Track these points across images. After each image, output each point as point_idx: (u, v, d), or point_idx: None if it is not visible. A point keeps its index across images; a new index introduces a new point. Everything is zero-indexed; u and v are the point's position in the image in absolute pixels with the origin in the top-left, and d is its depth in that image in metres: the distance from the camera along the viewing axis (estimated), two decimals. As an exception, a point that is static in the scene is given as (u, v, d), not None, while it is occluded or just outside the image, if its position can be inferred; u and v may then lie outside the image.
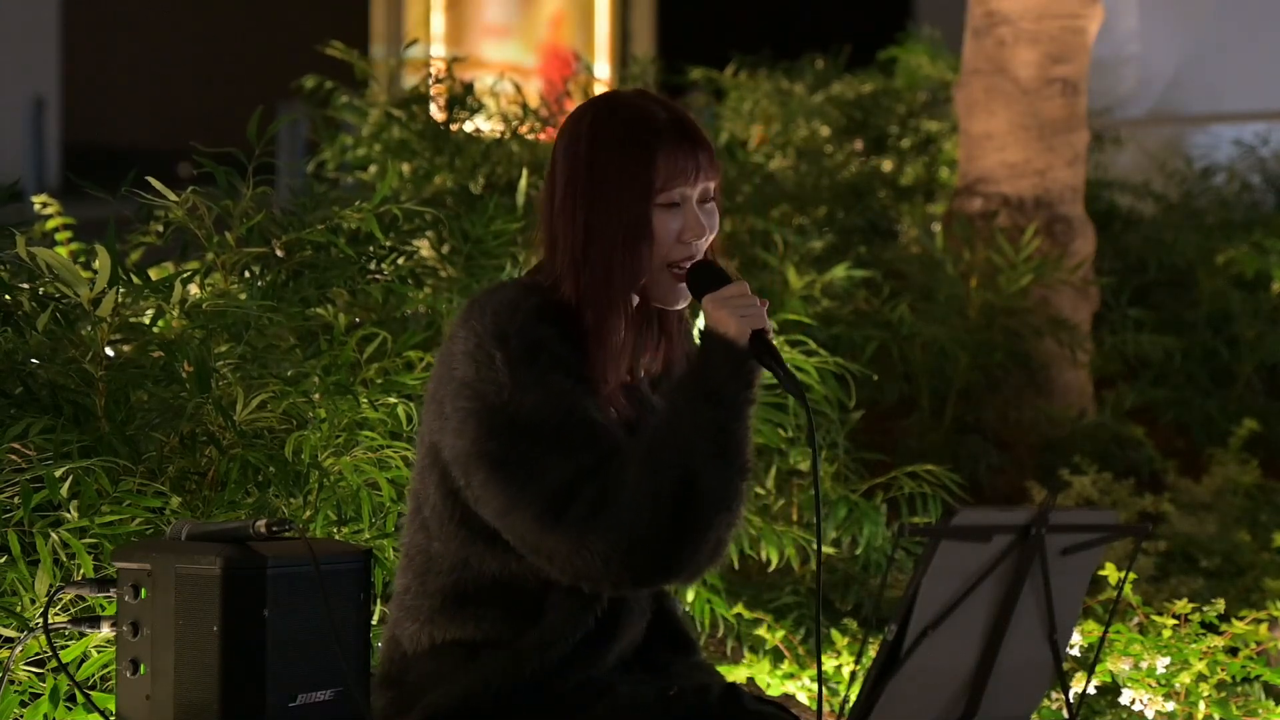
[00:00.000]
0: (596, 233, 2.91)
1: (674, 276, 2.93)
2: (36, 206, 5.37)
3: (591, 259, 2.91)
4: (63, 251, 5.10)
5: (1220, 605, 4.39)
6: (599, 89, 8.95)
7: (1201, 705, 4.27)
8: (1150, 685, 4.27)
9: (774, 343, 2.86)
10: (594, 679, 2.94)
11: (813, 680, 4.73)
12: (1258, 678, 4.42)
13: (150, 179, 4.13)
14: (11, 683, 3.47)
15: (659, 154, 2.89)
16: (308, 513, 3.90)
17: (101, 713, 3.25)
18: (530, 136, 7.44)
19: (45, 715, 3.44)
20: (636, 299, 2.96)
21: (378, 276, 4.51)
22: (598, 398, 2.89)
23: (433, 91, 7.08)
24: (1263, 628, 4.39)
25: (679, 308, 2.99)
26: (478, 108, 7.19)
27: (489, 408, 2.84)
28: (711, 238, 2.96)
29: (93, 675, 3.50)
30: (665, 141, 2.90)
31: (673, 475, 2.79)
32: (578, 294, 2.91)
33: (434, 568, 2.96)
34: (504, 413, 2.83)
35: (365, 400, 4.07)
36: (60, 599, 3.46)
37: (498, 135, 7.23)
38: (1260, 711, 4.46)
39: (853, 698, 2.73)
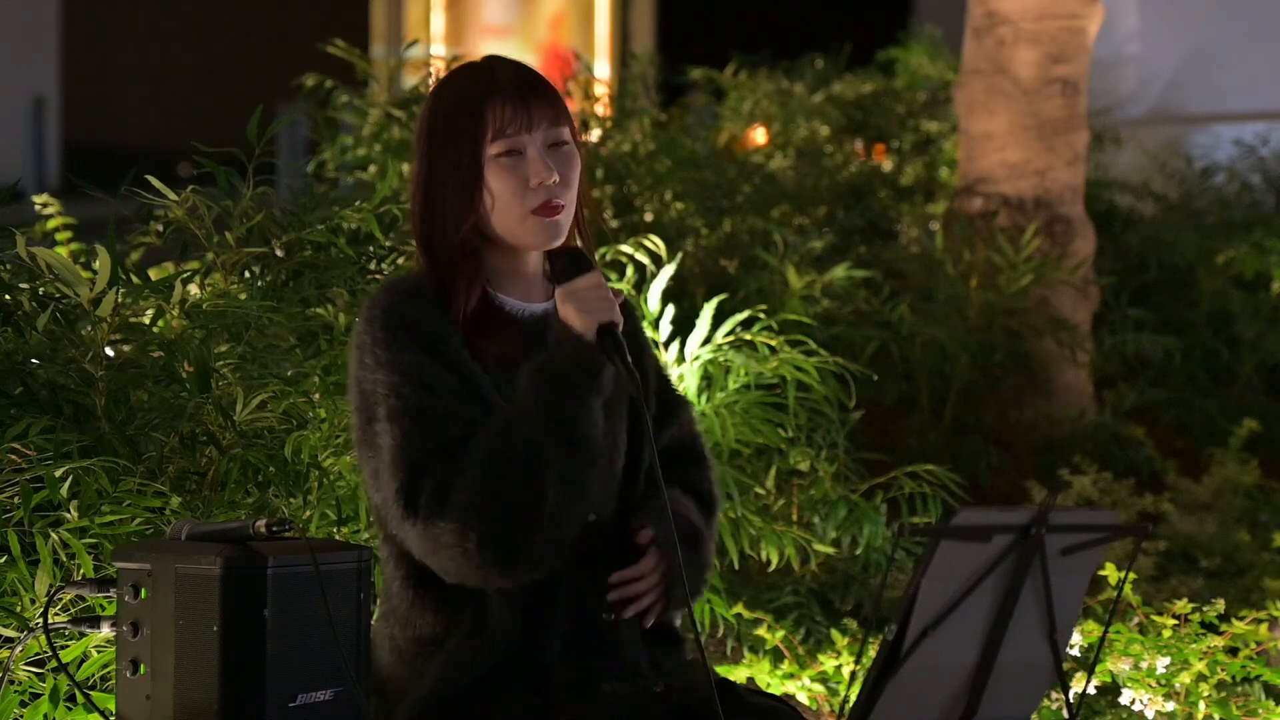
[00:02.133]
0: (434, 185, 2.99)
1: (540, 215, 2.97)
2: (36, 206, 5.37)
3: (431, 210, 2.99)
4: (63, 251, 5.10)
5: (1220, 605, 4.39)
6: (599, 89, 8.95)
7: (1201, 705, 4.28)
8: (1150, 685, 4.27)
9: (619, 337, 2.89)
10: (580, 677, 2.95)
11: (813, 680, 4.73)
12: (1258, 678, 4.42)
13: (150, 178, 4.13)
14: (11, 683, 3.47)
15: (488, 106, 2.96)
16: (307, 512, 3.90)
17: (101, 713, 3.25)
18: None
19: (45, 715, 3.44)
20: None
21: (378, 276, 4.51)
22: (474, 356, 2.93)
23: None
24: (1263, 628, 4.39)
25: (553, 246, 3.00)
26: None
27: (362, 396, 2.92)
28: (575, 184, 3.00)
29: (93, 675, 3.50)
30: (496, 94, 2.97)
31: (516, 465, 2.84)
32: (426, 248, 2.99)
33: (392, 564, 3.01)
34: (370, 397, 2.90)
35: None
36: (60, 599, 3.46)
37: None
38: (1260, 711, 4.46)
39: (853, 698, 2.73)
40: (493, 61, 3.05)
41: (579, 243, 3.06)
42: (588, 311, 2.89)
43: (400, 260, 4.58)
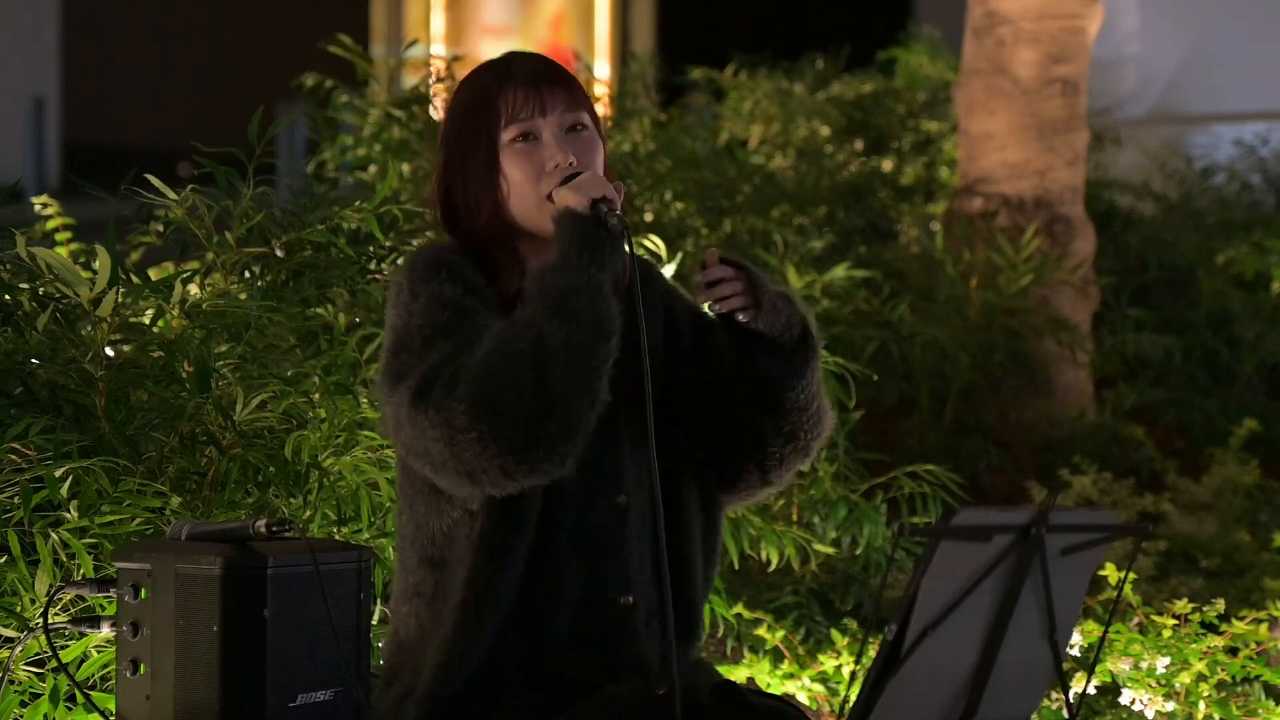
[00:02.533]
0: (453, 177, 3.02)
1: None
2: (36, 206, 5.37)
3: (453, 202, 3.02)
4: (63, 251, 5.10)
5: (1220, 605, 4.39)
6: (599, 89, 8.95)
7: (1201, 705, 4.28)
8: (1150, 685, 4.27)
9: (615, 208, 2.88)
10: (582, 678, 2.94)
11: (813, 680, 4.73)
12: (1258, 678, 4.42)
13: (150, 178, 4.13)
14: (11, 683, 3.47)
15: (501, 94, 2.99)
16: (307, 513, 3.90)
17: (101, 713, 3.25)
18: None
19: (45, 715, 3.44)
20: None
21: (378, 276, 4.51)
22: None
23: (433, 91, 7.08)
24: (1263, 628, 4.39)
25: None
26: (478, 108, 7.17)
27: (394, 332, 2.91)
28: (598, 166, 3.00)
29: (93, 675, 3.50)
30: (509, 82, 2.99)
31: (522, 338, 2.81)
32: (454, 234, 3.01)
33: (405, 543, 2.99)
34: (403, 330, 2.90)
35: (365, 400, 4.07)
36: (60, 599, 3.46)
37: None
38: (1260, 711, 4.46)
39: (853, 698, 2.73)
40: (510, 55, 3.08)
41: None
42: (578, 190, 2.89)
43: (400, 260, 4.57)
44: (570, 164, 2.97)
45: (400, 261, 3.00)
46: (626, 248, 2.89)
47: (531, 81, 2.99)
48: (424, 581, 2.96)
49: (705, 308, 3.07)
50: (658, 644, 3.00)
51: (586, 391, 2.82)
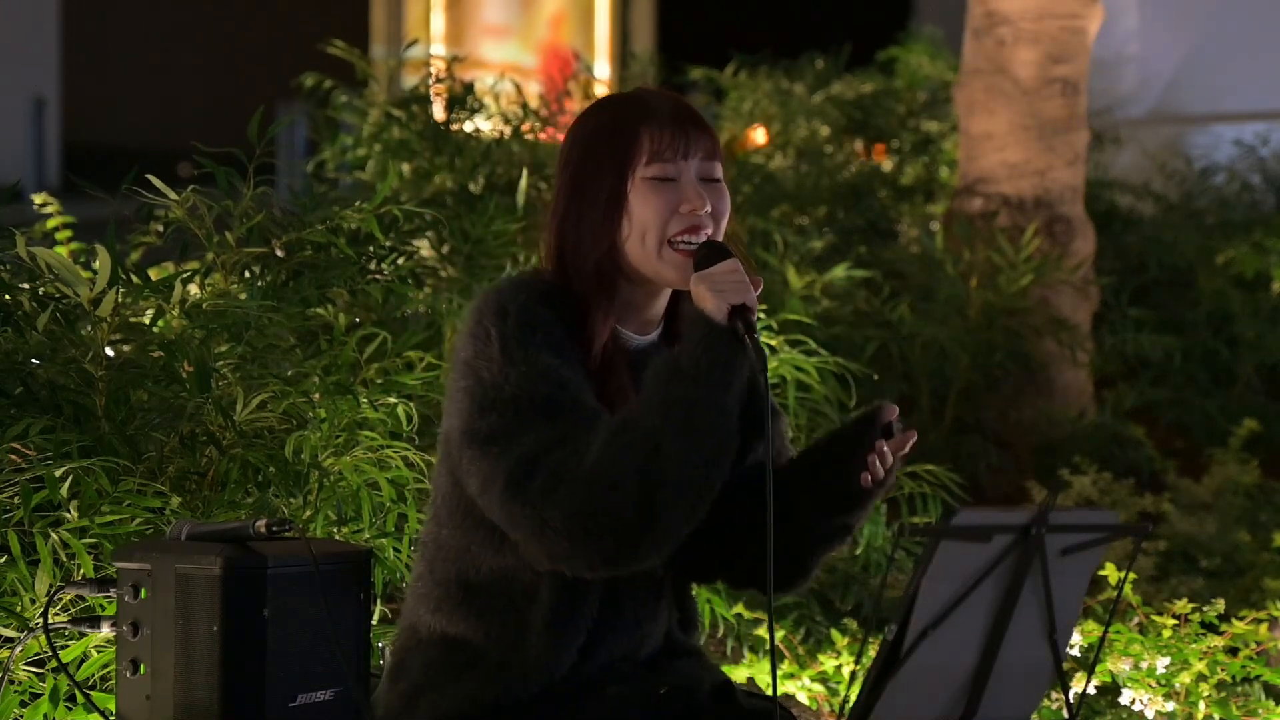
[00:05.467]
0: (574, 206, 2.94)
1: (679, 254, 2.91)
2: (36, 206, 5.37)
3: (567, 234, 2.94)
4: (63, 251, 5.10)
5: (1220, 605, 4.39)
6: (599, 89, 8.95)
7: (1201, 705, 4.28)
8: (1150, 685, 4.27)
9: (753, 320, 2.79)
10: (584, 678, 2.95)
11: (813, 680, 4.73)
12: (1258, 678, 4.42)
13: (150, 178, 4.13)
14: (11, 683, 3.47)
15: (644, 129, 2.92)
16: (308, 513, 3.90)
17: (101, 713, 3.25)
18: (530, 136, 7.44)
19: (45, 715, 3.44)
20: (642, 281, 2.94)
21: (378, 276, 4.51)
22: (589, 377, 2.88)
23: (433, 91, 7.08)
24: (1263, 628, 4.39)
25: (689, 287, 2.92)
26: (478, 108, 7.19)
27: (481, 385, 2.84)
28: (725, 220, 2.95)
29: (93, 675, 3.50)
30: (654, 119, 2.93)
31: (637, 449, 2.73)
32: (559, 266, 2.94)
33: (442, 555, 2.96)
34: (494, 387, 2.83)
35: (365, 400, 4.07)
36: (60, 599, 3.46)
37: (498, 135, 7.23)
38: (1260, 711, 4.46)
39: (853, 698, 2.73)
40: (646, 92, 3.01)
41: None
42: (720, 293, 2.80)
43: (400, 260, 4.58)
44: (705, 211, 2.90)
45: (488, 291, 2.90)
46: (755, 350, 2.78)
47: (677, 121, 2.93)
48: (453, 598, 2.94)
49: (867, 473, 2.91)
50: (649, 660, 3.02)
51: (692, 515, 2.78)
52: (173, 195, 4.17)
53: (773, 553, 2.76)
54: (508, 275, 3.09)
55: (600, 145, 2.94)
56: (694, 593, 3.17)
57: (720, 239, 2.95)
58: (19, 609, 3.52)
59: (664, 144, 2.91)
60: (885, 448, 2.88)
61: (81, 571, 3.46)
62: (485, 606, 2.92)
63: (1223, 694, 4.32)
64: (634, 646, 3.00)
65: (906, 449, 2.89)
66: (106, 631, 3.07)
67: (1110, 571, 4.31)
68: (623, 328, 2.96)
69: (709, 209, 2.92)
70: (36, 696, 3.50)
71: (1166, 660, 4.28)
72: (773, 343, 5.05)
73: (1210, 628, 4.41)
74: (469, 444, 2.84)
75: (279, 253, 4.36)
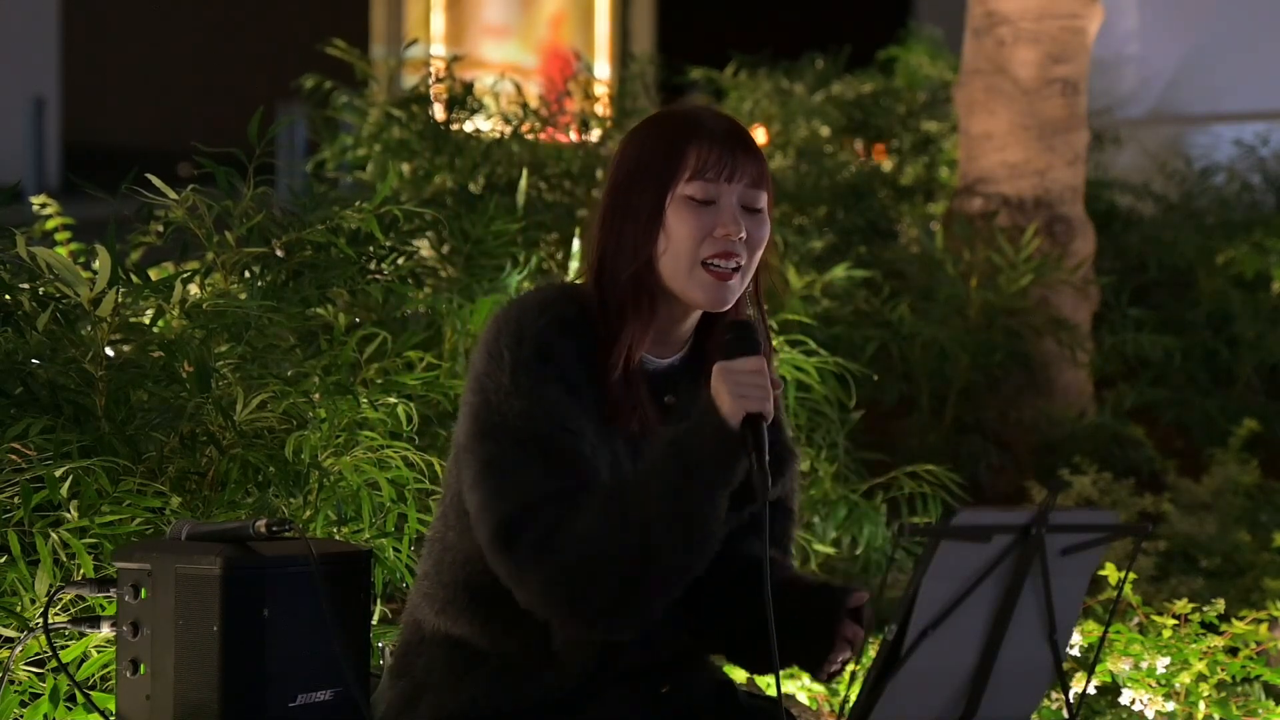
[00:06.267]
0: (616, 217, 2.91)
1: (710, 275, 2.88)
2: (36, 206, 5.37)
3: (608, 244, 2.91)
4: (63, 251, 5.10)
5: (1220, 605, 4.39)
6: (599, 89, 8.95)
7: (1201, 705, 4.27)
8: (1150, 685, 4.27)
9: (764, 432, 2.74)
10: (587, 688, 2.94)
11: (814, 680, 4.72)
12: (1258, 678, 4.42)
13: (150, 177, 4.13)
14: (11, 683, 3.47)
15: (691, 145, 2.89)
16: (308, 513, 3.90)
17: (101, 713, 3.25)
18: (530, 136, 7.44)
19: (45, 715, 3.44)
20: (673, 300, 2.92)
21: (378, 276, 4.51)
22: (607, 394, 2.87)
23: (433, 91, 7.08)
24: (1263, 628, 4.39)
25: (719, 310, 2.92)
26: (478, 108, 7.19)
27: (487, 407, 2.83)
28: (760, 251, 2.92)
29: (93, 675, 3.50)
30: (704, 137, 2.90)
31: (627, 541, 2.74)
32: (595, 275, 2.91)
33: (448, 558, 2.95)
34: (498, 413, 2.82)
35: (365, 400, 4.07)
36: (60, 599, 3.46)
37: (498, 135, 7.23)
38: (1260, 711, 4.46)
39: (853, 698, 2.73)
40: (703, 110, 2.99)
41: (752, 311, 2.97)
42: (740, 396, 2.75)
43: (400, 260, 4.58)
44: (740, 238, 2.87)
45: (508, 308, 2.89)
46: (760, 472, 2.75)
47: (726, 143, 2.90)
48: (459, 601, 2.93)
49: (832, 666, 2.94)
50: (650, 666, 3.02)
51: (672, 595, 2.81)
52: (173, 195, 4.17)
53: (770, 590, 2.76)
54: (538, 287, 3.06)
55: (647, 158, 2.91)
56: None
57: (753, 269, 2.93)
58: (19, 609, 3.52)
59: (709, 164, 2.89)
60: (859, 635, 2.90)
61: (81, 571, 3.45)
62: (492, 613, 2.91)
63: (1223, 694, 4.32)
64: (650, 659, 2.99)
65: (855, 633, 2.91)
66: (106, 631, 3.07)
67: (1110, 571, 4.31)
68: (641, 350, 2.93)
69: (744, 236, 2.89)
70: (36, 696, 3.50)
71: (1166, 660, 4.28)
72: (773, 343, 5.04)
73: (1210, 628, 4.41)
74: (468, 464, 2.85)
75: (279, 253, 4.36)
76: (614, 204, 2.92)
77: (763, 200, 2.92)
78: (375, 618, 3.42)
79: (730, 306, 2.92)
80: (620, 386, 2.88)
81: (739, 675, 4.63)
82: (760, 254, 2.93)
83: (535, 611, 2.82)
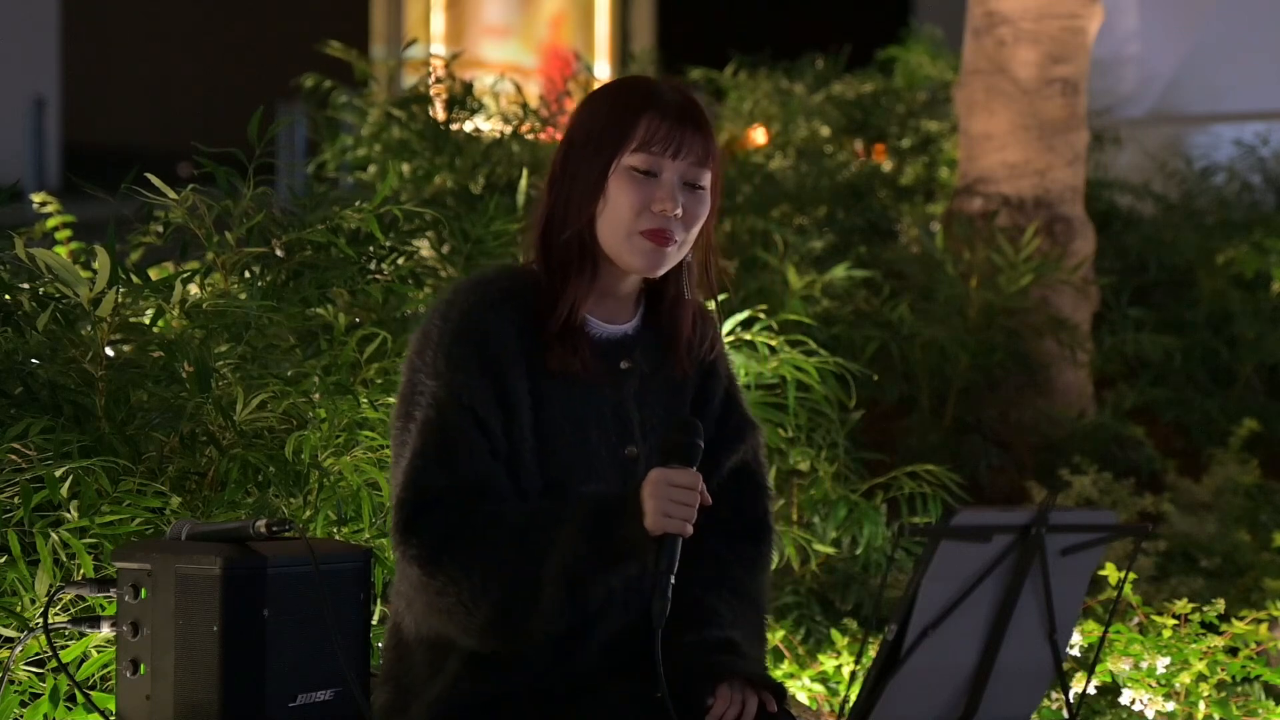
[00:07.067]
0: (564, 179, 2.97)
1: (650, 241, 2.93)
2: (36, 206, 5.37)
3: (554, 203, 2.97)
4: (62, 251, 5.09)
5: (1220, 605, 4.39)
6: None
7: (1201, 705, 4.28)
8: (1150, 685, 4.27)
9: (675, 556, 2.80)
10: (583, 681, 2.94)
11: (813, 680, 4.73)
12: (1258, 678, 4.42)
13: (150, 177, 4.13)
14: (11, 683, 3.47)
15: (643, 116, 2.93)
16: (308, 513, 3.90)
17: (101, 713, 3.25)
18: (530, 136, 7.44)
19: (45, 715, 3.44)
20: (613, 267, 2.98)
21: (378, 276, 4.51)
22: (542, 362, 2.91)
23: (433, 91, 7.08)
24: (1263, 628, 4.39)
25: (653, 276, 2.98)
26: (478, 108, 7.19)
27: (411, 386, 2.91)
28: (696, 228, 2.96)
29: (93, 675, 3.50)
30: (657, 109, 2.94)
31: (519, 586, 2.82)
32: (542, 242, 2.97)
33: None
34: (417, 395, 2.89)
35: (365, 400, 4.07)
36: (60, 599, 3.46)
37: (498, 135, 7.23)
38: (1260, 711, 4.46)
39: (853, 698, 2.73)
40: (660, 82, 3.03)
41: (696, 291, 3.04)
42: (664, 515, 2.80)
43: (400, 260, 4.58)
44: (676, 215, 2.92)
45: (451, 284, 2.96)
46: (658, 603, 2.81)
47: (677, 120, 2.93)
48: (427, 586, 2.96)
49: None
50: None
51: (539, 638, 2.87)
52: (173, 195, 4.17)
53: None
54: (481, 269, 3.12)
55: (600, 124, 2.96)
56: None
57: (686, 245, 2.97)
58: (19, 609, 3.52)
59: (656, 137, 2.93)
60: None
61: (81, 571, 3.45)
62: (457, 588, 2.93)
63: (1223, 694, 4.32)
64: (624, 633, 2.99)
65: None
66: (106, 631, 3.07)
67: (1110, 571, 4.31)
68: (590, 313, 2.98)
69: (679, 213, 2.93)
70: (36, 696, 3.50)
71: (1166, 660, 4.28)
72: (773, 343, 5.05)
73: (1210, 628, 4.41)
74: (391, 443, 2.93)
75: (279, 253, 4.36)
76: (564, 166, 2.97)
77: (706, 179, 2.96)
78: (375, 618, 3.42)
79: (663, 272, 2.96)
80: (560, 337, 2.93)
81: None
82: (697, 230, 2.97)
83: (420, 611, 2.88)
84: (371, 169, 7.01)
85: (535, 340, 2.92)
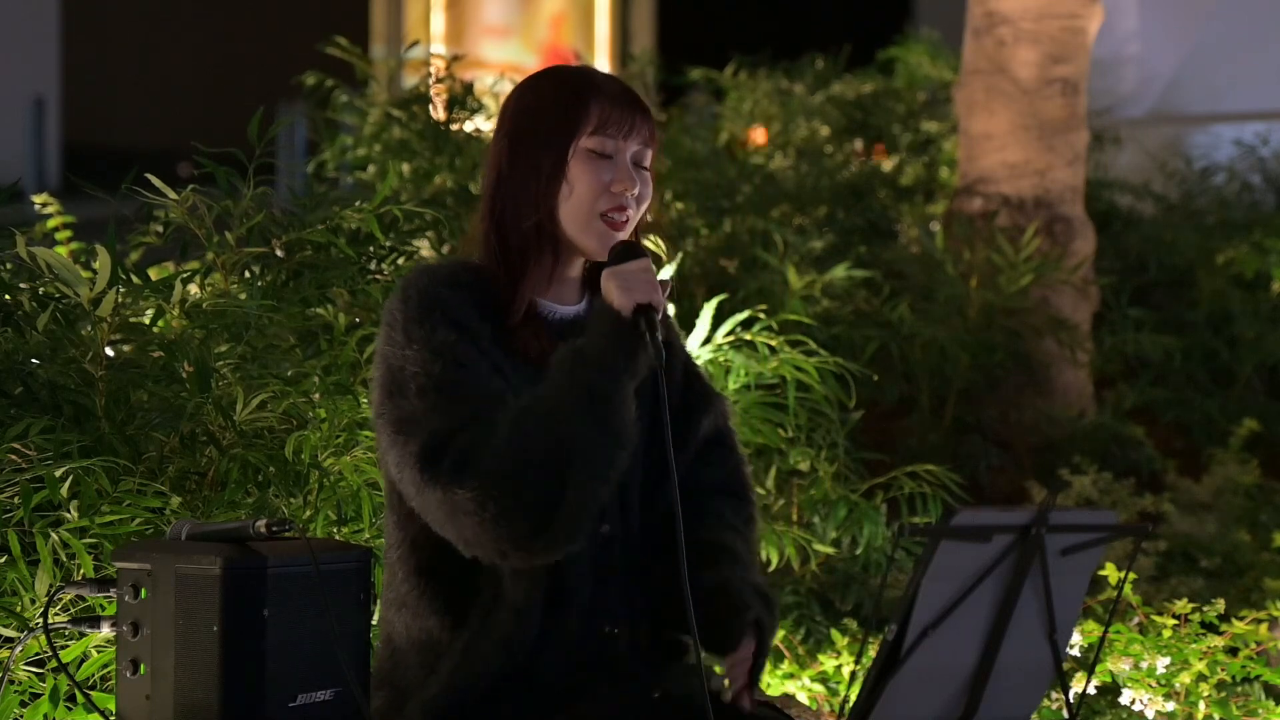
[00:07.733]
0: (515, 168, 3.00)
1: (607, 226, 2.98)
2: (36, 206, 5.37)
3: (507, 195, 3.00)
4: (63, 251, 5.10)
5: (1220, 605, 4.39)
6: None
7: (1201, 705, 4.28)
8: (1150, 685, 4.27)
9: (655, 320, 2.86)
10: (580, 680, 2.95)
11: (813, 680, 4.73)
12: (1258, 678, 4.42)
13: (150, 177, 4.13)
14: (11, 683, 3.47)
15: (593, 101, 2.99)
16: (308, 513, 3.90)
17: (101, 713, 3.25)
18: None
19: (45, 715, 3.44)
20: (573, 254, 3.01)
21: (378, 276, 4.51)
22: (510, 337, 2.93)
23: (433, 91, 7.08)
24: (1263, 628, 4.39)
25: (603, 259, 3.00)
26: (478, 108, 7.20)
27: (389, 371, 2.90)
28: (645, 205, 3.03)
29: (93, 675, 3.50)
30: (603, 94, 3.00)
31: (543, 434, 2.80)
32: (498, 233, 2.99)
33: (395, 555, 3.00)
34: (399, 372, 2.89)
35: (365, 400, 4.07)
36: (60, 599, 3.46)
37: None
38: (1260, 711, 4.46)
39: (853, 698, 2.73)
40: (592, 69, 3.11)
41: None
42: (627, 289, 2.87)
43: (400, 260, 4.58)
44: (634, 193, 2.99)
45: (399, 279, 2.98)
46: (654, 349, 2.84)
47: (625, 102, 3.01)
48: (418, 589, 2.98)
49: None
50: (645, 663, 3.03)
51: (597, 496, 2.83)
52: (173, 195, 4.17)
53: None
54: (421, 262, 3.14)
55: (548, 110, 3.00)
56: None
57: (638, 224, 3.04)
58: (19, 609, 3.52)
59: (610, 120, 2.99)
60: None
61: (81, 571, 3.45)
62: (450, 595, 2.95)
63: (1223, 694, 4.32)
64: (635, 653, 2.99)
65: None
66: (106, 631, 3.07)
67: (1110, 571, 4.31)
68: (540, 296, 3.02)
69: (636, 191, 3.00)
70: (36, 696, 3.50)
71: (1166, 660, 4.28)
72: (773, 343, 5.05)
73: (1210, 628, 4.41)
74: (382, 431, 2.91)
75: (279, 253, 4.36)
76: (513, 157, 3.00)
77: (649, 158, 3.04)
78: (375, 618, 3.42)
79: None
80: (523, 327, 2.96)
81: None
82: (644, 209, 3.04)
83: (470, 543, 2.83)
84: (371, 169, 7.01)
85: (496, 326, 2.95)
